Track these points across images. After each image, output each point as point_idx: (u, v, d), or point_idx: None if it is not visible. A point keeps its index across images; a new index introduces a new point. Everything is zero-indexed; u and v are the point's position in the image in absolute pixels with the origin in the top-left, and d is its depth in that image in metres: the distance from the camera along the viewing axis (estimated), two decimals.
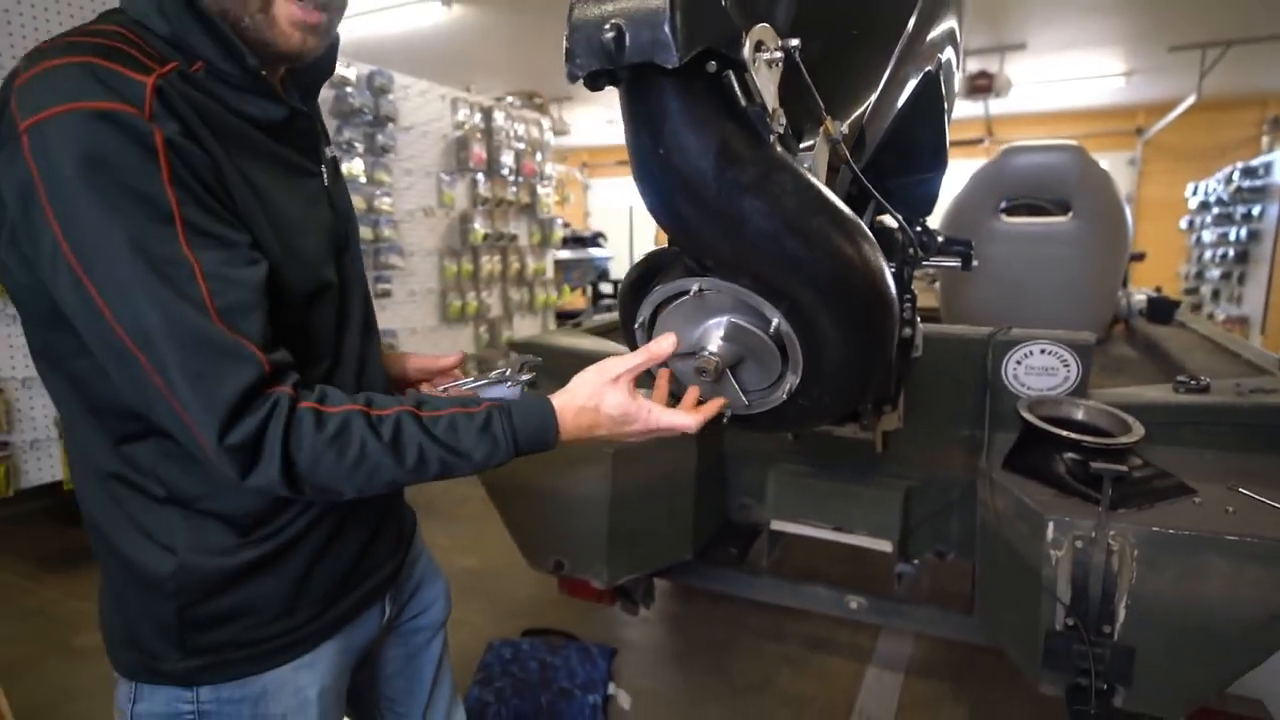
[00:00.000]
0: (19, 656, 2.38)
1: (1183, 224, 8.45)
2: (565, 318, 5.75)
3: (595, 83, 0.79)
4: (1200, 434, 1.60)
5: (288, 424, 0.70)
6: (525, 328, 4.73)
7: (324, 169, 0.90)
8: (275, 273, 0.75)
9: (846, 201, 1.18)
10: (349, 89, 3.34)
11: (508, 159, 4.38)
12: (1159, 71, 7.64)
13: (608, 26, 0.72)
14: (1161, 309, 3.03)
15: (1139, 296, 3.25)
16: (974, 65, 7.13)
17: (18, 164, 0.64)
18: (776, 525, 2.00)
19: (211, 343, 0.67)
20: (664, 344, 0.90)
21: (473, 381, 1.05)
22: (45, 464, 2.13)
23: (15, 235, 0.68)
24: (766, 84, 0.83)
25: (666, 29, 0.70)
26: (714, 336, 0.95)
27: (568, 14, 0.76)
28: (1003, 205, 2.94)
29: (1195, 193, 8.10)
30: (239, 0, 0.74)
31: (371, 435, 0.74)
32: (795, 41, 0.84)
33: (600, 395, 0.86)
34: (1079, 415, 1.58)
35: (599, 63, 0.74)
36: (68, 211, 0.63)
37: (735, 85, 0.81)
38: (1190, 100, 7.35)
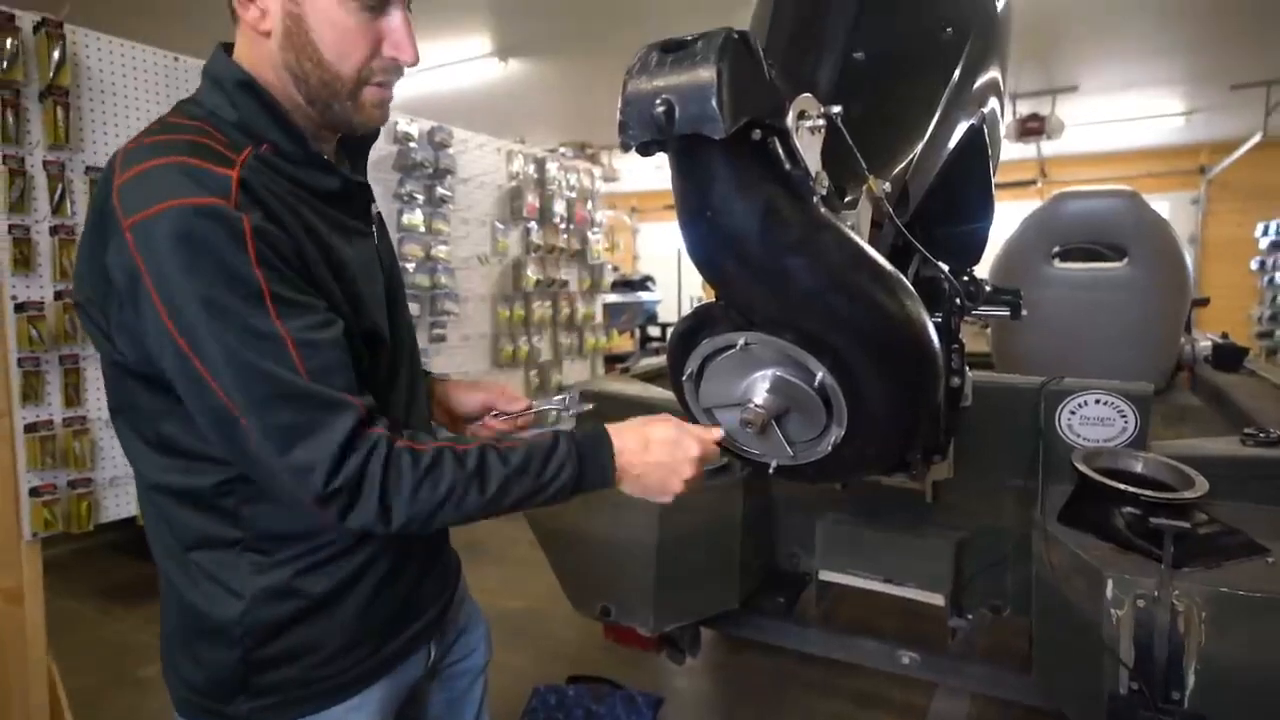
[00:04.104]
0: (87, 686, 2.48)
1: (1253, 265, 8.12)
2: (613, 360, 5.80)
3: (647, 150, 0.84)
4: (1271, 490, 1.53)
5: (386, 462, 0.76)
6: (575, 371, 4.80)
7: (374, 228, 0.97)
8: (346, 331, 0.81)
9: (891, 253, 1.21)
10: (412, 144, 3.51)
11: (560, 207, 4.50)
12: (1221, 110, 7.45)
13: (659, 101, 0.77)
14: (1228, 356, 2.92)
15: (1204, 343, 3.14)
16: (1024, 108, 7.07)
17: (125, 255, 0.72)
18: (825, 575, 1.97)
19: (312, 400, 0.74)
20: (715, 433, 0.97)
21: (532, 408, 1.12)
22: (123, 500, 2.24)
23: (123, 316, 0.76)
24: (809, 148, 0.86)
25: (714, 103, 0.74)
26: (760, 389, 0.97)
27: (622, 88, 0.82)
28: (1055, 251, 2.90)
29: (1266, 232, 7.79)
30: (330, 91, 0.84)
31: (459, 467, 0.80)
32: (837, 108, 0.87)
33: (647, 421, 0.94)
34: (1138, 468, 1.54)
35: (650, 134, 0.79)
36: (171, 294, 0.71)
37: (779, 150, 0.85)
38: (1256, 139, 7.14)
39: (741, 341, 0.96)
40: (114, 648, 2.79)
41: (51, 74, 2.11)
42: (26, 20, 2.07)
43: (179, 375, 0.74)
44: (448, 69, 5.75)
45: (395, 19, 0.84)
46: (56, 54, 2.11)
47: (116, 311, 0.76)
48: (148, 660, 2.65)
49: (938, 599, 1.85)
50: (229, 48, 0.87)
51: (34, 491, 2.07)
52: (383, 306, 0.93)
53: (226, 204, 0.72)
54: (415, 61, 0.87)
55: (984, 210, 1.60)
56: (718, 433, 0.97)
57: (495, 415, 1.13)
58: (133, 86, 2.32)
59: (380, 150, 3.31)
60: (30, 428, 2.08)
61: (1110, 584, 1.30)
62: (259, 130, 0.82)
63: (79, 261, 0.82)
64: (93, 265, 0.77)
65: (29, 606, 1.99)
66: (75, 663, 2.63)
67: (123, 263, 0.73)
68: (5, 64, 2.02)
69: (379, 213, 1.01)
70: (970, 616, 1.91)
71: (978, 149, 1.48)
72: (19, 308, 2.06)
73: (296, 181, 0.83)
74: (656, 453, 0.91)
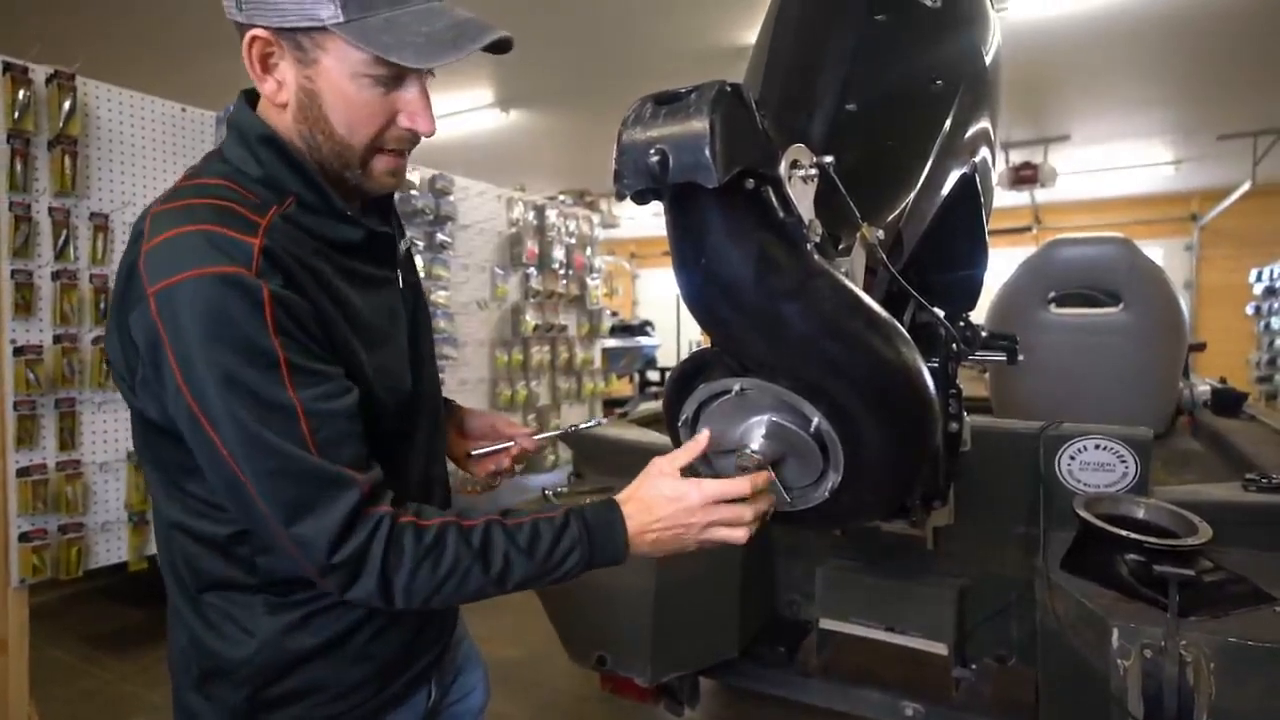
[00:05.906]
0: None
1: (1249, 310, 8.17)
2: (612, 405, 5.79)
3: (642, 199, 0.85)
4: (1275, 536, 1.52)
5: (388, 542, 0.76)
6: (573, 416, 4.79)
7: (399, 272, 0.96)
8: (366, 389, 0.82)
9: (887, 299, 1.21)
10: (413, 192, 3.56)
11: (559, 253, 4.55)
12: (1209, 159, 7.60)
13: (653, 151, 0.78)
14: (1228, 401, 2.92)
15: (1202, 388, 3.14)
16: (1017, 157, 7.21)
17: (147, 320, 0.74)
18: (826, 624, 1.93)
19: (315, 477, 0.75)
20: (701, 439, 0.94)
21: (540, 433, 1.15)
22: (113, 545, 2.21)
23: (145, 376, 0.78)
24: (802, 197, 0.88)
25: (707, 153, 0.75)
26: (756, 435, 0.96)
27: (617, 138, 0.83)
28: (1051, 296, 2.92)
29: (1260, 278, 7.86)
30: (341, 161, 0.85)
31: (464, 545, 0.79)
32: (829, 158, 0.89)
33: (653, 485, 0.89)
34: (1140, 514, 1.52)
35: (645, 183, 0.80)
36: (189, 363, 0.73)
37: (773, 199, 0.86)
38: (1245, 187, 7.26)
39: (737, 387, 0.96)
40: (101, 699, 2.72)
41: (61, 124, 2.15)
42: (40, 73, 2.12)
43: (193, 440, 0.76)
44: (450, 118, 5.87)
45: (411, 91, 0.83)
46: (67, 104, 2.16)
47: (141, 370, 0.78)
48: (134, 711, 2.58)
49: (941, 648, 1.81)
50: (252, 97, 0.87)
51: (23, 537, 2.04)
52: (405, 356, 0.93)
53: (248, 272, 0.73)
54: (432, 132, 0.86)
55: (978, 256, 1.61)
56: (728, 485, 0.89)
57: (494, 445, 1.15)
58: (140, 136, 2.37)
59: None
60: (23, 471, 2.06)
61: (1116, 634, 1.27)
62: (282, 183, 0.82)
63: (109, 319, 0.83)
64: (119, 325, 0.79)
65: (12, 655, 1.95)
66: (59, 712, 2.56)
67: (145, 326, 0.74)
68: (17, 114, 2.07)
69: (407, 249, 1.00)
70: (975, 666, 1.87)
71: (970, 196, 1.50)
72: (18, 351, 2.07)
73: (319, 235, 0.84)
74: (660, 512, 0.87)
